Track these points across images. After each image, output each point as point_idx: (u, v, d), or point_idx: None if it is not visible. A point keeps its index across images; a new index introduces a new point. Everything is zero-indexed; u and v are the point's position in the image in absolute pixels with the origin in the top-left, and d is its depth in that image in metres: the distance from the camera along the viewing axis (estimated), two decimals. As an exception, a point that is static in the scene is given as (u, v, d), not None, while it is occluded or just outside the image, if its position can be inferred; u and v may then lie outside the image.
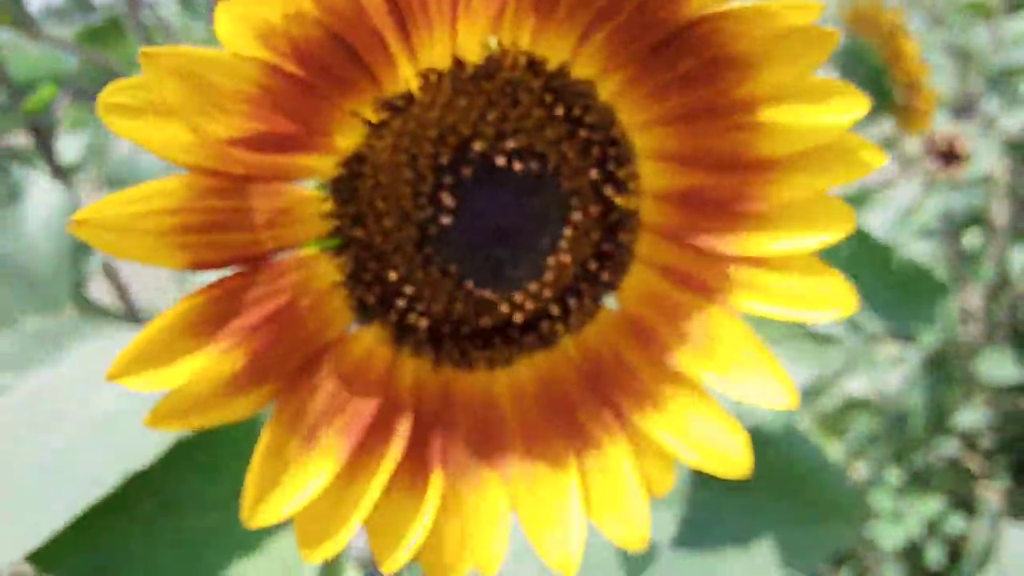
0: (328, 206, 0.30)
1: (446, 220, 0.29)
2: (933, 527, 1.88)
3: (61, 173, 0.78)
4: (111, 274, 0.77)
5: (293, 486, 0.30)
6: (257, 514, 0.30)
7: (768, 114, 0.32)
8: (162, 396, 0.30)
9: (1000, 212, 1.83)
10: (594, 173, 0.32)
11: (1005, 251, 1.83)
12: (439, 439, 0.34)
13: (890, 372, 2.04)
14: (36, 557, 0.46)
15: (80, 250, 0.62)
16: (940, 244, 1.91)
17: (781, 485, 0.90)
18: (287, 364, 0.31)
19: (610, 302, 0.35)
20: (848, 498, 0.91)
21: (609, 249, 0.33)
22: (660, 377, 0.35)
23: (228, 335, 0.29)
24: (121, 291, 0.79)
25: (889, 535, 1.84)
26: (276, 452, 0.30)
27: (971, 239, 2.00)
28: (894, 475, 1.99)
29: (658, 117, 0.33)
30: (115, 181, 0.63)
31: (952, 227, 1.86)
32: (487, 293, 0.31)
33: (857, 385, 2.13)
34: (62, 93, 0.77)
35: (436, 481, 0.33)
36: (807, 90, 0.31)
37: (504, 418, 0.35)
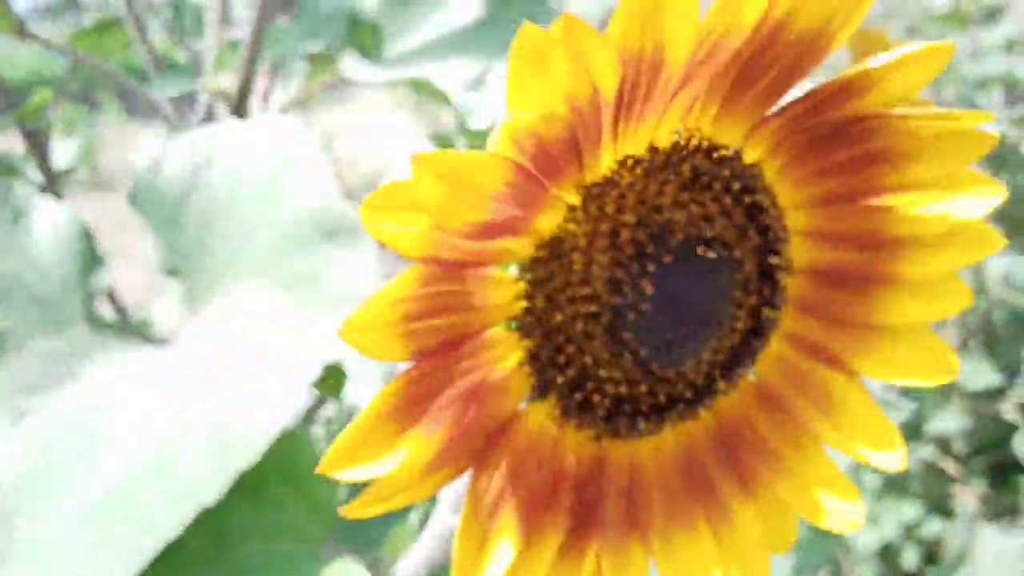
0: (522, 288, 0.30)
1: (645, 305, 0.30)
2: (909, 530, 1.91)
3: (54, 179, 0.73)
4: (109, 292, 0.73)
5: (487, 560, 0.30)
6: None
7: (912, 199, 0.34)
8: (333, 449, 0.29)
9: None
10: (763, 254, 0.33)
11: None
12: (595, 507, 0.34)
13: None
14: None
15: (89, 267, 0.59)
16: None
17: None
18: (476, 442, 0.31)
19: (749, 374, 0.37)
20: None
21: (763, 323, 0.34)
22: (787, 442, 0.37)
23: (428, 418, 0.29)
24: (111, 295, 0.74)
25: (866, 539, 1.86)
26: (470, 529, 0.30)
27: None
28: (871, 480, 1.99)
29: (809, 198, 0.34)
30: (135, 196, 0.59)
31: None
32: (666, 372, 0.32)
33: None
34: (55, 96, 0.72)
35: (591, 548, 0.34)
36: (948, 181, 0.34)
37: (648, 485, 0.36)
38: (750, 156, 0.33)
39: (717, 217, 0.31)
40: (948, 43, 0.30)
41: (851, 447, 0.36)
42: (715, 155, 0.32)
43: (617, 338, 0.31)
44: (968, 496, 1.90)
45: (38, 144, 0.73)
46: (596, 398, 0.32)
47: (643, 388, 0.32)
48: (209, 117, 0.76)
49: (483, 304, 0.29)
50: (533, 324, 0.31)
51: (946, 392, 1.93)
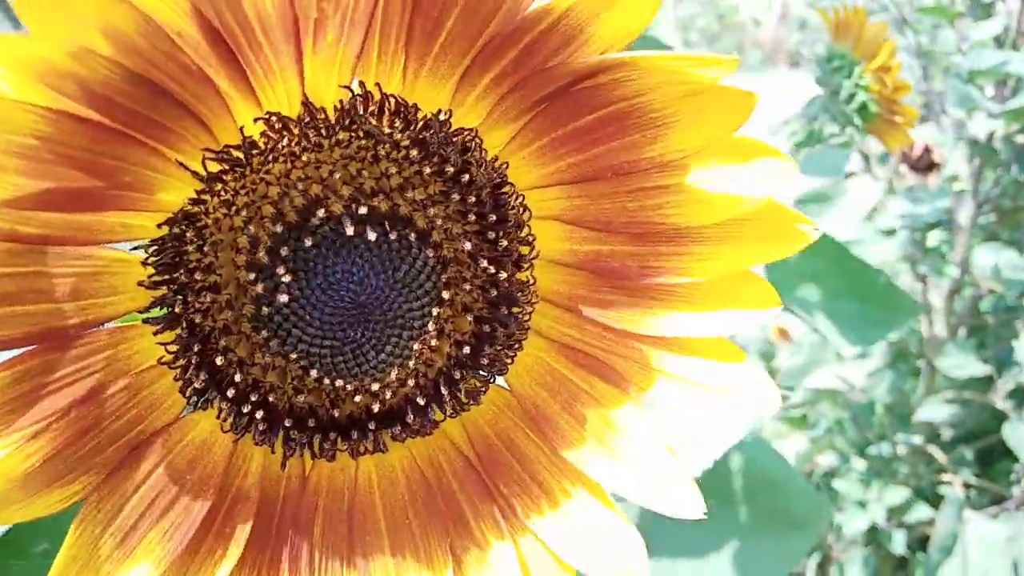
0: (149, 272, 0.25)
1: (283, 298, 0.24)
2: (897, 515, 1.90)
3: None
4: None
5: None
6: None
7: (679, 178, 0.26)
8: None
9: (964, 213, 1.84)
10: (470, 243, 0.26)
11: (968, 251, 1.84)
12: (291, 537, 0.29)
13: (855, 367, 2.09)
14: None
15: None
16: (905, 243, 1.94)
17: (745, 497, 0.89)
18: (104, 455, 0.26)
19: (502, 382, 0.30)
20: (813, 509, 0.89)
21: (491, 328, 0.28)
22: (554, 469, 0.30)
23: (30, 421, 0.24)
24: None
25: (854, 522, 1.88)
26: (79, 558, 0.25)
27: (936, 238, 2.02)
28: (860, 465, 2.01)
29: (560, 174, 0.28)
30: None
31: (917, 227, 1.88)
32: (339, 383, 0.26)
33: (822, 378, 2.15)
34: None
35: (287, 579, 0.28)
36: (725, 153, 0.26)
37: (371, 511, 0.29)
38: (463, 120, 0.26)
39: (394, 192, 0.25)
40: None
41: (628, 485, 0.29)
42: (407, 117, 0.25)
43: (260, 336, 0.25)
44: (955, 483, 1.90)
45: None
46: (246, 407, 0.26)
47: (305, 399, 0.26)
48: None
49: (90, 292, 0.24)
50: (169, 317, 0.25)
51: (935, 381, 1.94)
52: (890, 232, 1.96)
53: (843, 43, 1.05)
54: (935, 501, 1.86)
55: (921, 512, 1.87)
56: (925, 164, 1.76)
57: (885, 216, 2.00)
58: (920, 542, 1.84)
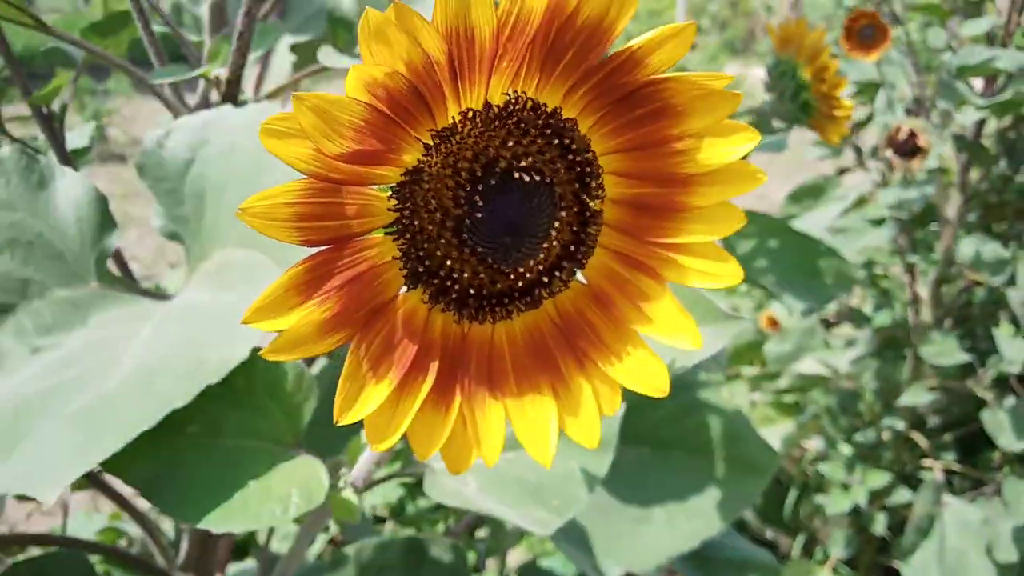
0: (392, 203, 0.42)
1: (476, 216, 0.41)
2: (880, 498, 1.95)
3: (68, 159, 0.85)
4: (116, 253, 0.85)
5: (366, 399, 0.42)
6: (342, 417, 0.41)
7: (692, 145, 0.45)
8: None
9: (951, 204, 1.88)
10: (576, 184, 0.44)
11: (955, 242, 1.85)
12: (458, 372, 0.46)
13: (842, 354, 2.14)
14: (109, 465, 0.55)
15: (103, 231, 0.71)
16: (893, 233, 1.95)
17: (707, 446, 1.05)
18: (359, 314, 0.42)
19: (580, 277, 0.48)
20: (766, 458, 1.06)
21: (581, 238, 0.45)
22: (612, 330, 0.48)
23: (322, 294, 0.41)
24: (122, 265, 0.86)
25: (837, 504, 1.94)
26: (353, 375, 0.42)
27: (924, 229, 2.04)
28: (845, 450, 2.05)
29: (618, 146, 0.45)
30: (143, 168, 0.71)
31: (906, 217, 1.90)
32: (502, 267, 0.43)
33: (810, 364, 2.22)
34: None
35: (456, 402, 0.45)
36: (719, 130, 0.45)
37: (503, 358, 0.47)
38: (567, 114, 0.44)
39: (534, 154, 0.43)
40: (691, 24, 0.41)
41: (659, 334, 0.47)
42: (538, 111, 0.43)
43: (461, 239, 0.42)
44: (936, 468, 1.96)
45: (52, 127, 0.85)
46: (449, 284, 0.43)
47: (481, 278, 0.43)
48: (205, 101, 0.88)
49: (363, 213, 0.41)
50: (402, 230, 0.42)
51: (918, 368, 2.00)
52: (879, 222, 1.98)
53: (787, 52, 1.21)
54: (917, 486, 1.90)
55: (903, 496, 1.91)
56: (910, 148, 1.75)
57: (875, 207, 2.02)
58: (901, 525, 1.87)
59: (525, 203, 0.43)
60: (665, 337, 0.47)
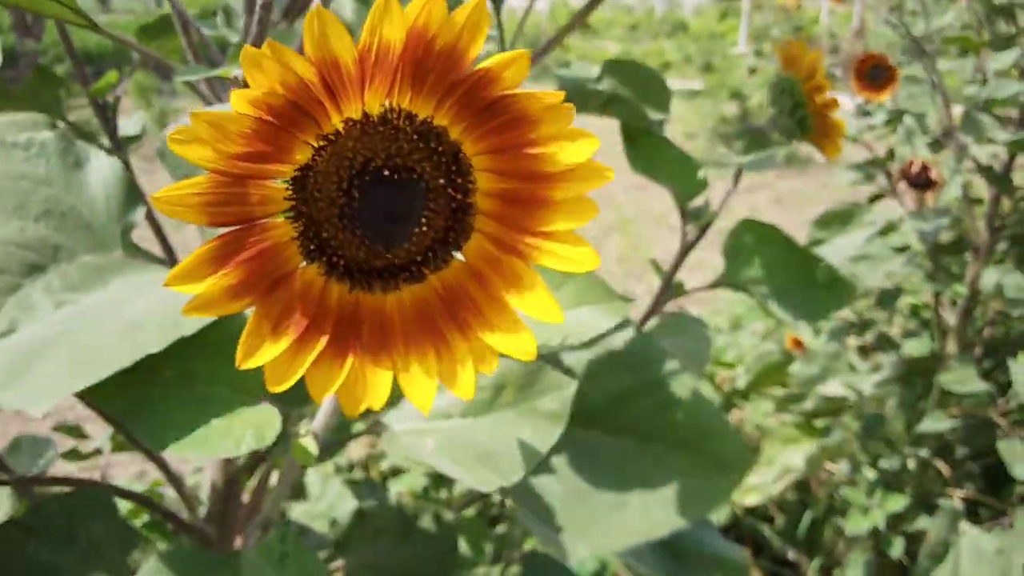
0: (289, 191, 0.52)
1: (355, 204, 0.51)
2: (899, 523, 1.99)
3: (120, 144, 0.99)
4: (157, 227, 0.99)
5: (264, 351, 0.52)
6: (244, 362, 0.52)
7: (546, 148, 0.53)
8: (189, 298, 0.51)
9: (977, 235, 1.92)
10: (443, 181, 0.53)
11: (980, 271, 1.91)
12: (352, 334, 0.55)
13: (868, 378, 2.19)
14: (92, 392, 0.67)
15: (127, 206, 0.83)
16: (920, 261, 1.99)
17: (685, 441, 1.10)
18: (263, 283, 0.53)
19: (460, 256, 0.57)
20: (740, 455, 1.11)
21: (454, 225, 0.55)
22: (489, 303, 0.57)
23: (231, 265, 0.51)
24: (163, 239, 1.00)
25: (856, 525, 1.99)
26: (255, 332, 0.52)
27: (952, 258, 2.08)
28: (870, 474, 2.10)
29: (487, 147, 0.54)
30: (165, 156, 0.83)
31: (932, 247, 1.93)
32: (379, 248, 0.53)
33: (835, 387, 2.27)
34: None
35: (349, 358, 0.55)
36: (567, 135, 0.53)
37: (393, 323, 0.56)
38: (439, 122, 0.53)
39: (405, 156, 0.52)
40: (525, 52, 0.49)
41: (527, 309, 0.56)
42: (412, 120, 0.52)
43: (344, 223, 0.52)
44: (956, 496, 1.98)
45: (107, 116, 0.98)
46: (335, 259, 0.53)
47: (363, 255, 0.53)
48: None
49: (263, 199, 0.51)
50: (297, 215, 0.52)
51: (943, 396, 2.04)
52: (902, 249, 2.03)
53: (789, 71, 1.27)
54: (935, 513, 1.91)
55: (923, 522, 1.94)
56: (923, 181, 1.81)
57: (900, 235, 2.07)
58: (918, 551, 1.87)
59: (398, 195, 0.52)
60: (531, 312, 0.56)
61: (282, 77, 0.47)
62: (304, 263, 0.54)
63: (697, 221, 1.29)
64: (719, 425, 1.12)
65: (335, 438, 0.83)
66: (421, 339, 0.57)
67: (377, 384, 0.56)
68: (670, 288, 1.28)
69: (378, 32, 0.48)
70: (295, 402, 0.80)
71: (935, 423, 1.93)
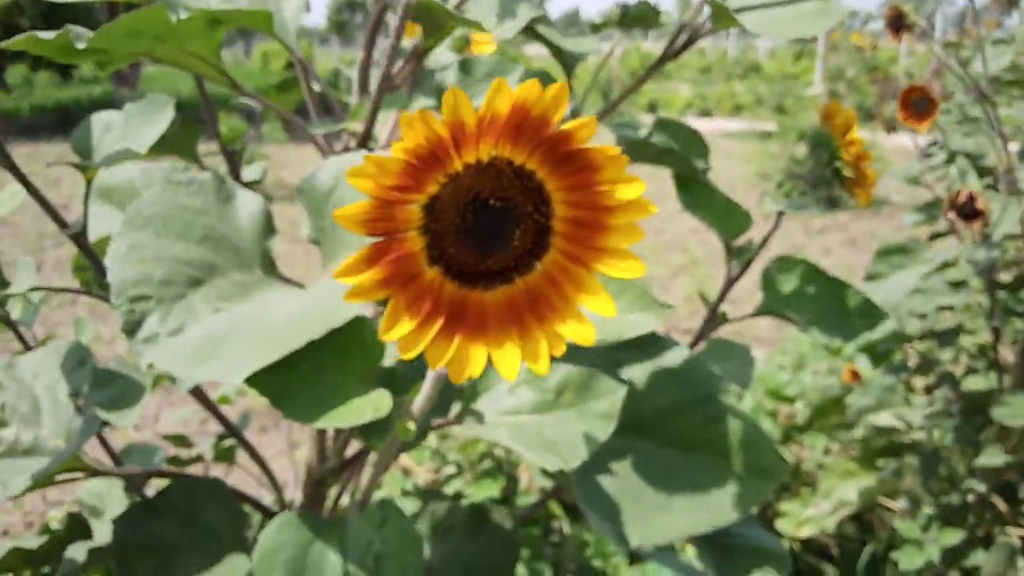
0: (421, 214, 0.73)
1: (468, 225, 0.72)
2: (955, 558, 2.03)
3: (243, 184, 1.22)
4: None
5: (398, 328, 0.73)
6: (385, 335, 0.72)
7: (607, 187, 0.74)
8: (346, 289, 0.72)
9: None
10: (531, 208, 0.74)
11: None
12: (459, 320, 0.76)
13: (921, 411, 2.24)
14: (255, 383, 0.89)
15: (266, 235, 1.06)
16: (979, 299, 2.06)
17: (728, 450, 1.27)
18: (400, 278, 0.73)
19: (540, 265, 0.78)
20: (776, 462, 1.28)
21: (538, 241, 0.75)
22: (560, 300, 0.77)
23: (379, 265, 0.72)
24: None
25: (910, 560, 2.04)
26: (392, 315, 0.73)
27: (1010, 296, 2.12)
28: (928, 509, 2.14)
29: (564, 185, 0.75)
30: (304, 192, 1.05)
31: (989, 282, 1.99)
32: (483, 257, 0.73)
33: (886, 418, 2.34)
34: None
35: (456, 338, 0.75)
36: (623, 179, 0.73)
37: (488, 313, 0.77)
38: (529, 167, 0.74)
39: (505, 190, 0.73)
40: (594, 118, 0.70)
41: (589, 305, 0.76)
42: (512, 165, 0.73)
43: (459, 239, 0.73)
44: (1013, 533, 2.02)
45: (232, 161, 1.22)
46: (451, 265, 0.74)
47: (472, 262, 0.74)
48: (346, 147, 1.24)
49: (404, 219, 0.72)
50: (426, 231, 0.73)
51: (1004, 432, 2.12)
52: (957, 284, 2.08)
53: (827, 125, 1.46)
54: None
55: (979, 558, 1.97)
56: (969, 211, 1.84)
57: (956, 271, 2.11)
58: None
59: (499, 219, 0.73)
60: (593, 308, 0.76)
61: (427, 134, 0.68)
62: (429, 266, 0.75)
63: (740, 258, 1.48)
64: (757, 436, 1.28)
65: (427, 424, 1.03)
66: (509, 326, 0.77)
67: (476, 358, 0.76)
68: (715, 317, 1.47)
69: (492, 104, 0.69)
70: (398, 391, 1.00)
71: (991, 458, 1.98)
